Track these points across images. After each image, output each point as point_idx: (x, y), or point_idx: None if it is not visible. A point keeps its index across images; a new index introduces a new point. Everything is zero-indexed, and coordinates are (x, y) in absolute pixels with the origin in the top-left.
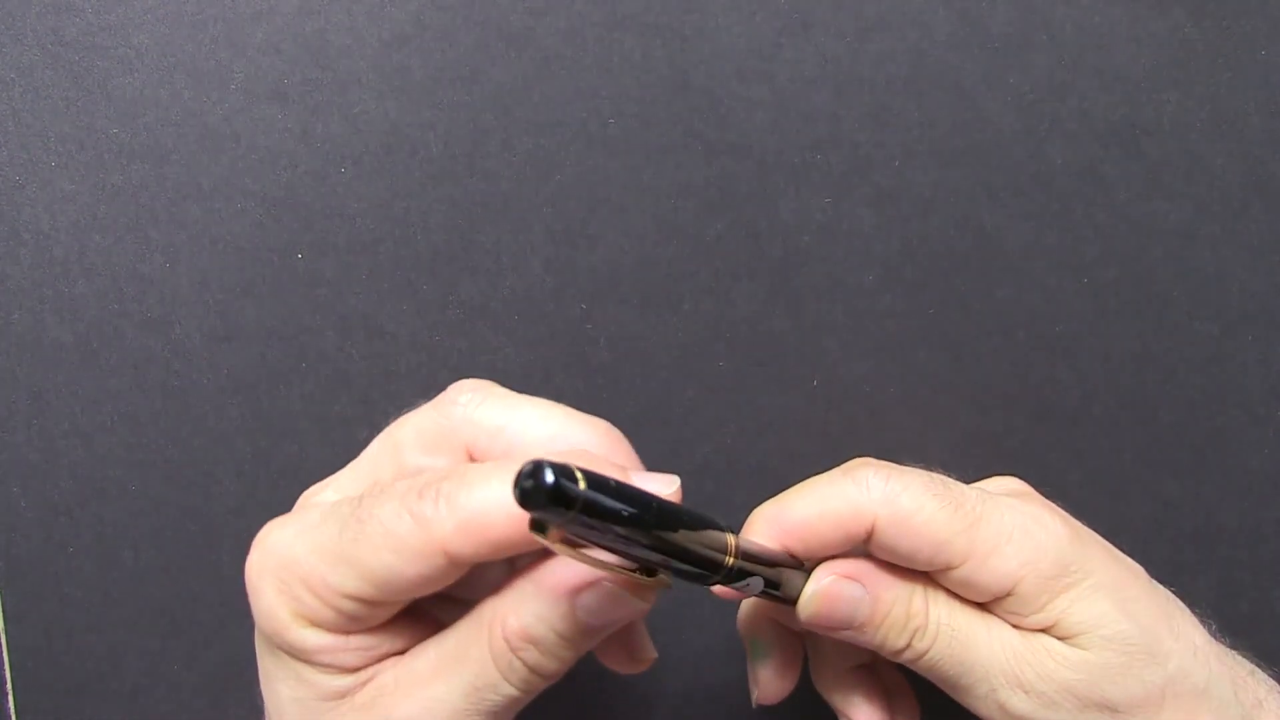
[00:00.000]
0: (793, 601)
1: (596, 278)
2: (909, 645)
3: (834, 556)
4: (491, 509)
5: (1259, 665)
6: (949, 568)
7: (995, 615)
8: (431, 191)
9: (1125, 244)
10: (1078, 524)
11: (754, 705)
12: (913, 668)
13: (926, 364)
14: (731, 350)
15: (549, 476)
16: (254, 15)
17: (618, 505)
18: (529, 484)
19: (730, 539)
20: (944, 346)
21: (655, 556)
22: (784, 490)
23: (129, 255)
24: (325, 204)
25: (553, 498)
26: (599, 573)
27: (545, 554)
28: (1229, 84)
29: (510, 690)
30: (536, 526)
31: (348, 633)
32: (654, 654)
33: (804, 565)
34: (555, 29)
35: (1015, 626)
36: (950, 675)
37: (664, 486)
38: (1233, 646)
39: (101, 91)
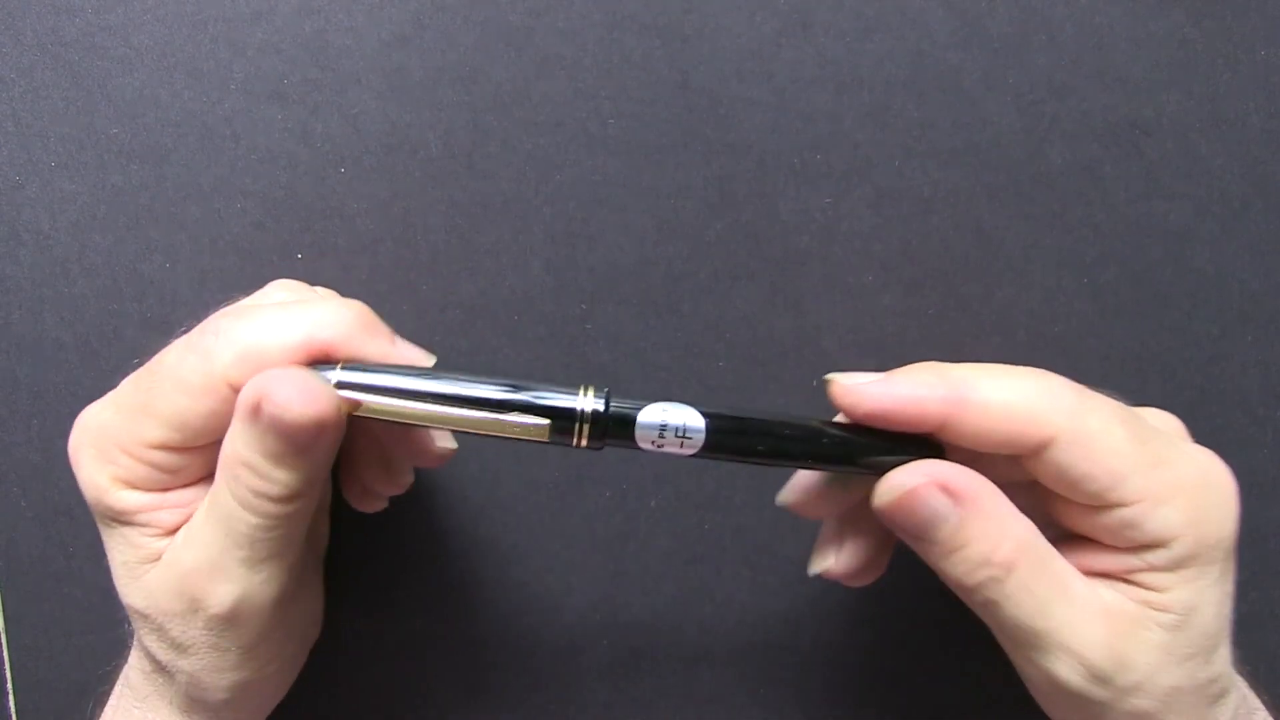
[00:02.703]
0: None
1: (596, 278)
2: (976, 588)
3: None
4: (266, 339)
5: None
6: (1119, 504)
7: (1112, 557)
8: (431, 191)
9: (1125, 244)
10: None
11: (816, 575)
12: (969, 604)
13: None
14: (731, 350)
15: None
16: (254, 15)
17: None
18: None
19: (581, 401)
20: (944, 346)
21: (432, 410)
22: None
23: (129, 255)
24: (325, 204)
25: None
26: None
27: None
28: (1229, 84)
29: (249, 518)
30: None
31: (164, 489)
32: (452, 447)
33: (895, 448)
34: (555, 29)
35: (1124, 578)
36: (1011, 634)
37: (423, 358)
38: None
39: (101, 91)
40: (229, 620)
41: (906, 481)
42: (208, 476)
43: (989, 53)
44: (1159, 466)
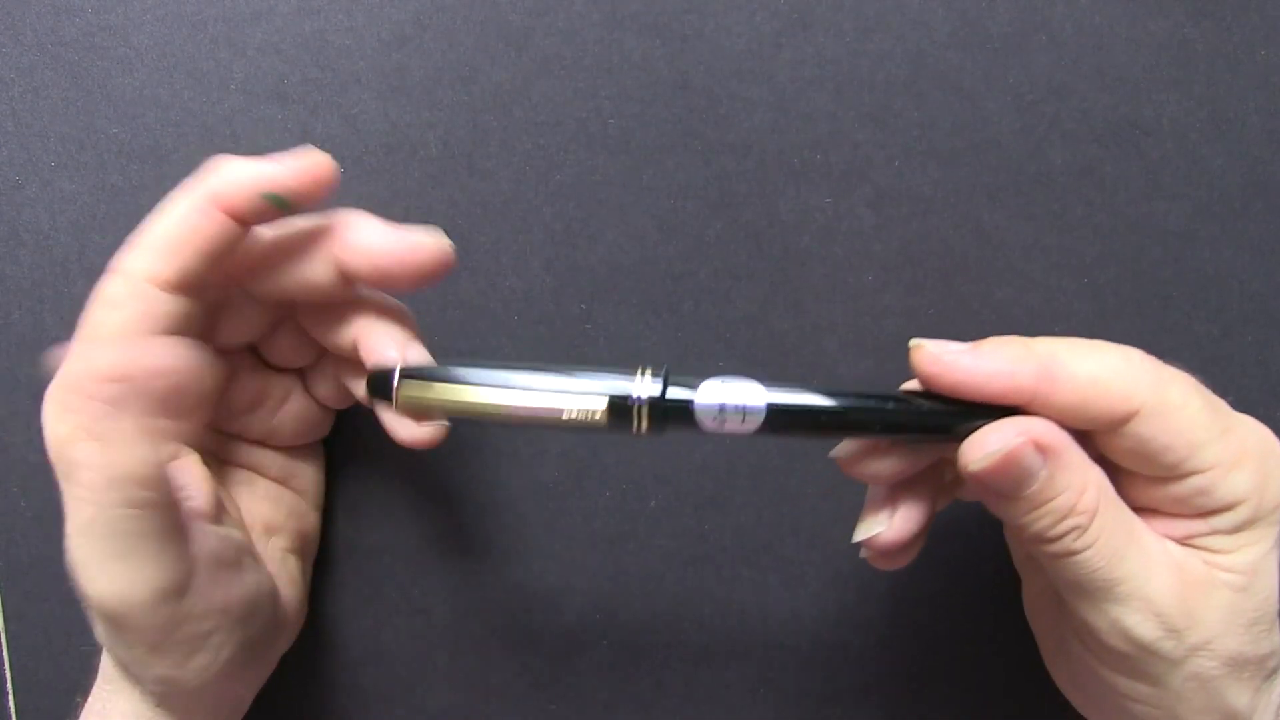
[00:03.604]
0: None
1: (596, 278)
2: (1059, 539)
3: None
4: (163, 225)
5: None
6: (1194, 472)
7: (1175, 524)
8: (431, 191)
9: (1125, 244)
10: None
11: (864, 552)
12: (1047, 564)
13: None
14: (731, 350)
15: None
16: (254, 15)
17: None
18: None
19: (639, 385)
20: None
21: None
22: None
23: None
24: (325, 204)
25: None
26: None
27: None
28: (1229, 84)
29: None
30: (378, 390)
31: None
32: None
33: (954, 411)
34: (555, 29)
35: (1187, 542)
36: (1086, 585)
37: (312, 154)
38: None
39: (101, 91)
40: (111, 618)
41: (1005, 443)
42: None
43: (989, 53)
44: (1229, 433)
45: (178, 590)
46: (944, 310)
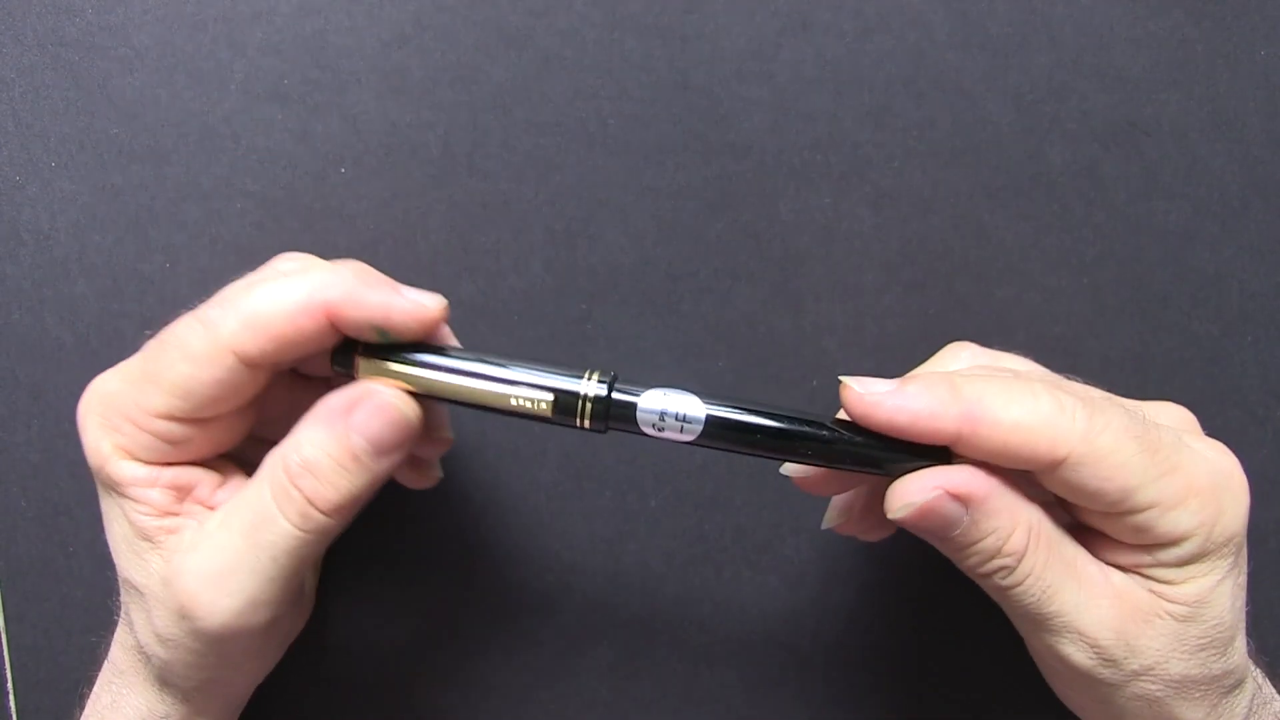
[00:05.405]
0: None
1: (596, 278)
2: (989, 576)
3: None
4: (270, 306)
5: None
6: (1131, 512)
7: (1123, 553)
8: (431, 191)
9: (1125, 244)
10: None
11: (832, 529)
12: (982, 587)
13: None
14: (731, 350)
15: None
16: (254, 15)
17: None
18: (333, 354)
19: (586, 385)
20: (944, 347)
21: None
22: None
23: (129, 255)
24: (325, 204)
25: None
26: (386, 392)
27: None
28: (1229, 84)
29: (285, 525)
30: (341, 362)
31: (164, 462)
32: (439, 474)
33: (889, 451)
34: (555, 29)
35: (1135, 570)
36: (1023, 616)
37: (429, 300)
38: None
39: (101, 91)
40: (216, 638)
41: (919, 497)
42: (207, 460)
43: (989, 53)
44: (1171, 473)
45: (281, 619)
46: (944, 310)
